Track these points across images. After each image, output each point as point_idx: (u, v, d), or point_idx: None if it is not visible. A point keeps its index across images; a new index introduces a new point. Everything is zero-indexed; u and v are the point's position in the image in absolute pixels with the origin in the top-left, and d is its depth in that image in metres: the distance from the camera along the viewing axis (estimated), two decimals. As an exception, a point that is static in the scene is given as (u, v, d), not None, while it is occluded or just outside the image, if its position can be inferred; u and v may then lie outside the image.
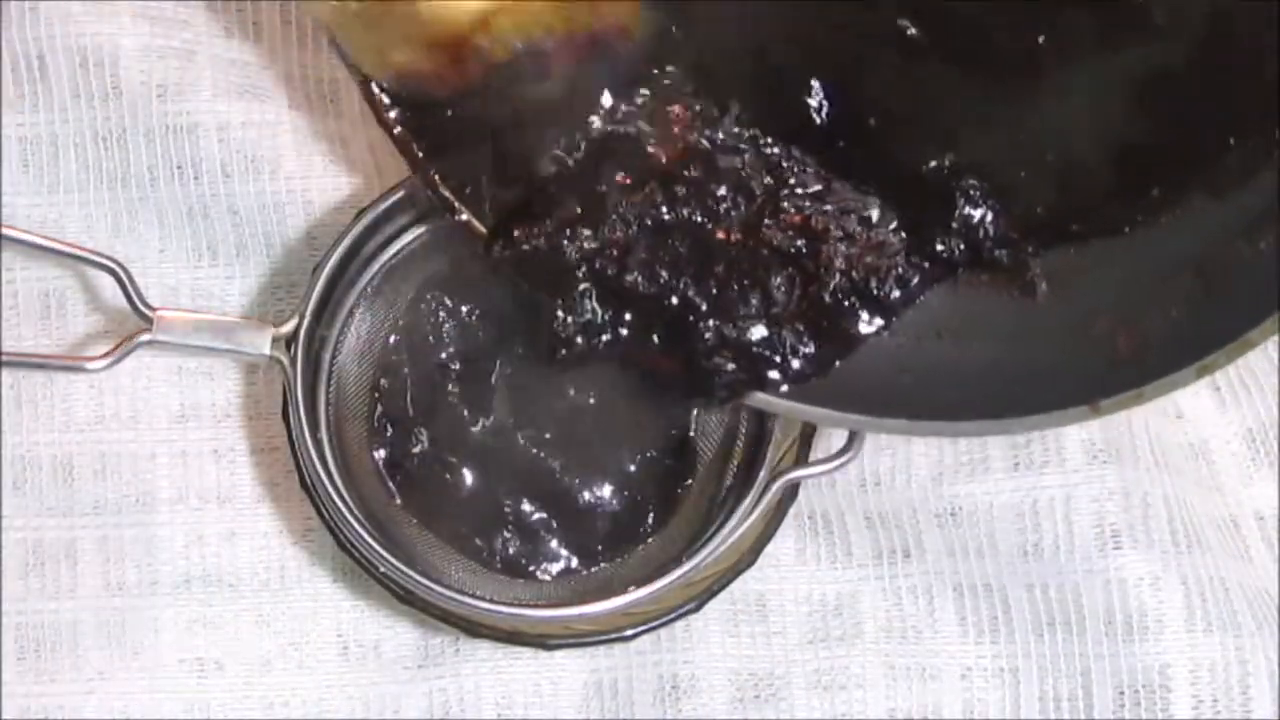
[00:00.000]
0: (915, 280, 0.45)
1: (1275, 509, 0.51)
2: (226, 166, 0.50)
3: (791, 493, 0.48)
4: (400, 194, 0.47)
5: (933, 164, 0.44)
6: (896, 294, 0.45)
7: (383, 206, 0.47)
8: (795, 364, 0.45)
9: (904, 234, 0.45)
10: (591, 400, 0.48)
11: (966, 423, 0.43)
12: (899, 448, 0.50)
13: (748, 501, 0.46)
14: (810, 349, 0.45)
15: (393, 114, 0.44)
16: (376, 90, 0.44)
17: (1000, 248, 0.44)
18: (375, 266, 0.48)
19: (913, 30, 0.43)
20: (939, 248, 0.45)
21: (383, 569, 0.46)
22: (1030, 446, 0.49)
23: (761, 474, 0.46)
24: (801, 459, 0.48)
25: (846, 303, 0.45)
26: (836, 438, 0.47)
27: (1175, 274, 0.42)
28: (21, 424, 0.50)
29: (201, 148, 0.50)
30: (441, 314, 0.49)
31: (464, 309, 0.49)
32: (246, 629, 0.50)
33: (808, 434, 0.48)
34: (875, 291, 0.45)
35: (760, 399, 0.45)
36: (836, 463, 0.46)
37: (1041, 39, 0.43)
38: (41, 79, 0.50)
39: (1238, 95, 0.41)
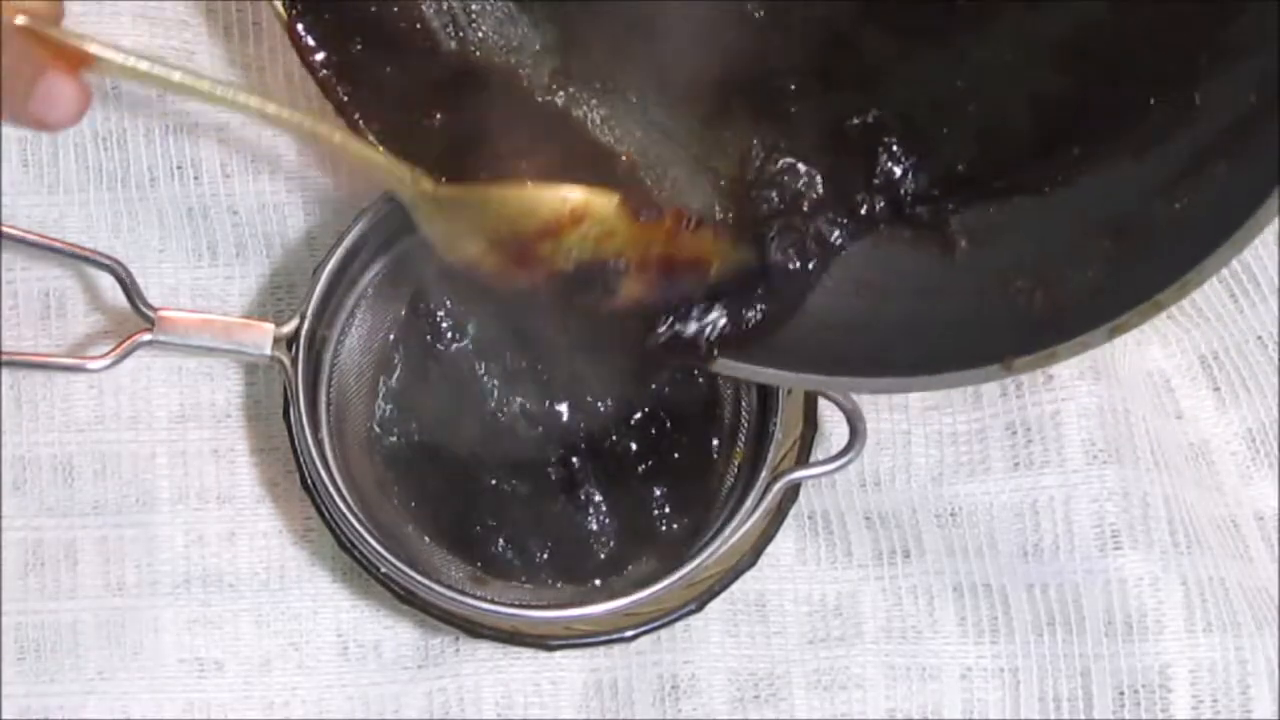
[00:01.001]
0: (836, 236, 0.45)
1: (1275, 509, 0.52)
2: (226, 166, 0.50)
3: (792, 493, 0.48)
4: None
5: (854, 120, 0.44)
6: (816, 250, 0.45)
7: (383, 207, 0.47)
8: (722, 324, 0.44)
9: (825, 189, 0.45)
10: (594, 401, 0.48)
11: (880, 379, 0.43)
12: (899, 448, 0.50)
13: (749, 502, 0.46)
14: (739, 310, 0.44)
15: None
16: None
17: (920, 204, 0.44)
18: (376, 267, 0.48)
19: None
20: (859, 203, 0.45)
21: (383, 569, 0.46)
22: (1030, 446, 0.49)
23: (762, 475, 0.46)
24: (802, 460, 0.48)
25: (770, 259, 0.45)
26: (837, 439, 0.47)
27: (1093, 234, 0.41)
28: (21, 424, 0.50)
29: (201, 148, 0.50)
30: (442, 314, 0.49)
31: (464, 309, 0.49)
32: (246, 629, 0.50)
33: (808, 435, 0.48)
34: (800, 249, 0.45)
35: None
36: (837, 463, 0.46)
37: None
38: (41, 79, 0.49)
39: (1158, 54, 0.41)
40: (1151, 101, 0.41)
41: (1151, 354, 0.52)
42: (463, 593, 0.45)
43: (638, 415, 0.48)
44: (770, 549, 0.49)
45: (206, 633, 0.50)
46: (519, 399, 0.49)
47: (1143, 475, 0.49)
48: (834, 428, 0.49)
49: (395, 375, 0.49)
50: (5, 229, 0.47)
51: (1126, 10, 0.41)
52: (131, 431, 0.51)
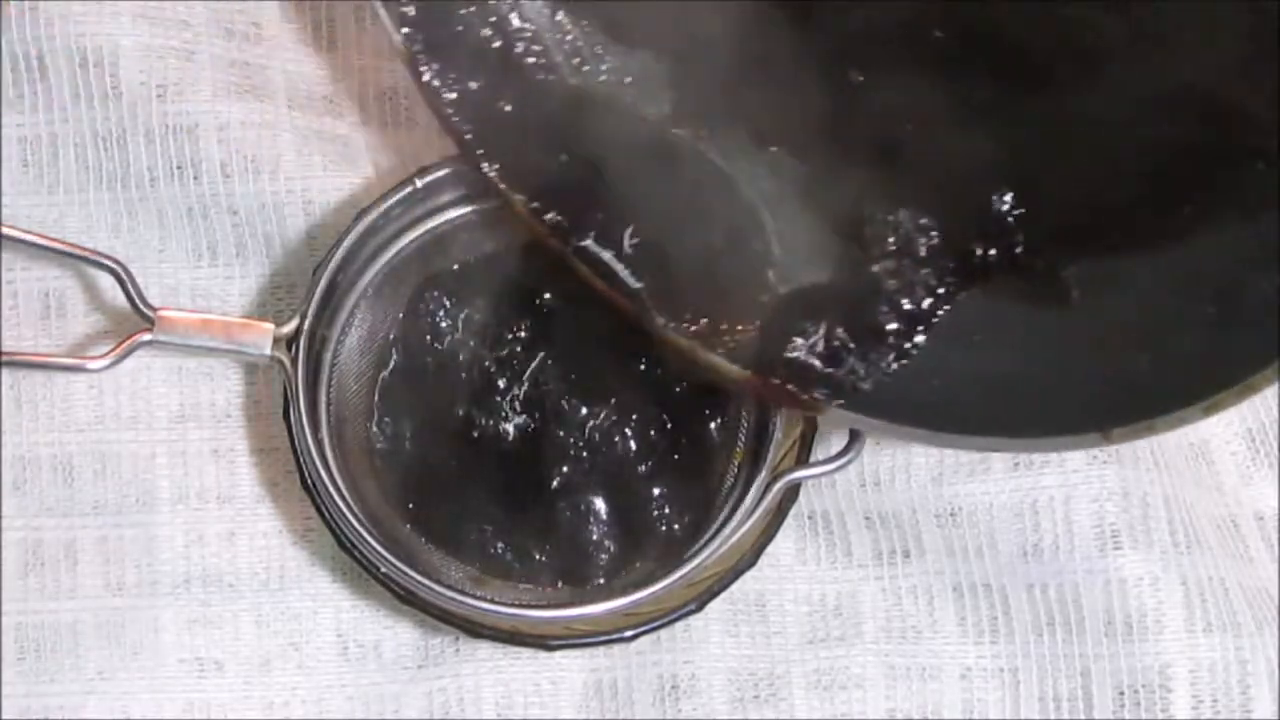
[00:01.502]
0: (949, 284, 0.45)
1: (1275, 509, 0.52)
2: (226, 166, 0.50)
3: (792, 493, 0.48)
4: (401, 194, 0.47)
5: (967, 168, 0.44)
6: (931, 299, 0.45)
7: (383, 207, 0.47)
8: (847, 373, 0.45)
9: (940, 239, 0.45)
10: (594, 400, 0.48)
11: (985, 438, 0.43)
12: (899, 448, 0.50)
13: (748, 502, 0.46)
14: (860, 358, 0.45)
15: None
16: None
17: (1034, 255, 0.44)
18: (376, 267, 0.48)
19: (939, 34, 0.43)
20: (974, 252, 0.45)
21: (383, 569, 0.46)
22: (1030, 446, 0.49)
23: (762, 474, 0.46)
24: (802, 459, 0.48)
25: (885, 308, 0.45)
26: (837, 439, 0.47)
27: (1198, 299, 0.41)
28: (21, 424, 0.50)
29: (201, 148, 0.50)
30: (442, 314, 0.49)
31: (465, 309, 0.49)
32: (246, 629, 0.50)
33: (808, 435, 0.48)
34: (913, 296, 0.45)
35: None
36: (837, 463, 0.46)
37: (1075, 46, 0.43)
38: (41, 79, 0.50)
39: (1271, 115, 0.41)
40: (1260, 166, 0.41)
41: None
42: (463, 593, 0.45)
43: (638, 415, 0.48)
44: (770, 549, 0.49)
45: (206, 633, 0.50)
46: (519, 399, 0.49)
47: (1143, 475, 0.49)
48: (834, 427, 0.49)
49: (396, 375, 0.49)
50: (5, 229, 0.47)
51: (1240, 71, 0.41)
52: (131, 431, 0.51)
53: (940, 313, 0.45)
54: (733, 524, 0.46)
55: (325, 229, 0.50)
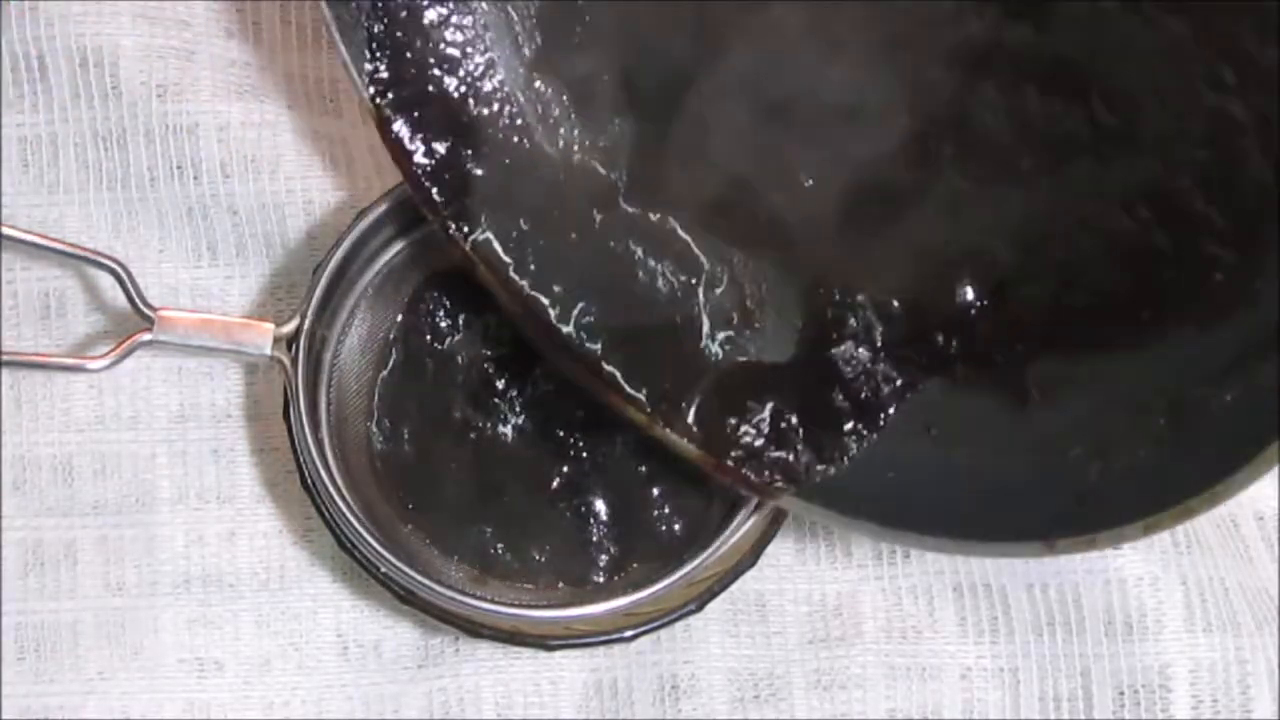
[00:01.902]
0: (910, 375, 0.45)
1: (1275, 509, 0.52)
2: (226, 166, 0.50)
3: (792, 493, 0.48)
4: (401, 194, 0.47)
5: (937, 256, 0.44)
6: (890, 388, 0.45)
7: (383, 207, 0.47)
8: (800, 460, 0.45)
9: (902, 322, 0.45)
10: (596, 400, 0.48)
11: (935, 538, 0.43)
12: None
13: (749, 502, 0.46)
14: (813, 446, 0.45)
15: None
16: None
17: (994, 348, 0.44)
18: (376, 267, 0.48)
19: (906, 120, 0.44)
20: (936, 342, 0.45)
21: (383, 569, 0.46)
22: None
23: (762, 474, 0.46)
24: (802, 459, 0.48)
25: (841, 396, 0.45)
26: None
27: (1151, 409, 0.41)
28: (21, 424, 0.50)
29: (201, 148, 0.50)
30: (442, 314, 0.49)
31: (465, 309, 0.49)
32: (246, 629, 0.50)
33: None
34: (871, 384, 0.45)
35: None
36: (837, 463, 0.46)
37: (1042, 139, 0.43)
38: (41, 79, 0.50)
39: (1235, 229, 0.41)
40: (1217, 276, 0.41)
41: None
42: (463, 593, 0.45)
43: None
44: (770, 549, 0.49)
45: (206, 633, 0.50)
46: (519, 399, 0.49)
47: (1143, 475, 0.49)
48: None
49: (396, 375, 0.49)
50: (5, 229, 0.47)
51: (1203, 180, 0.41)
52: (131, 431, 0.51)
53: (898, 405, 0.45)
54: (733, 524, 0.46)
55: (325, 229, 0.50)
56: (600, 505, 0.48)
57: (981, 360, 0.44)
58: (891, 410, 0.45)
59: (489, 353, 0.49)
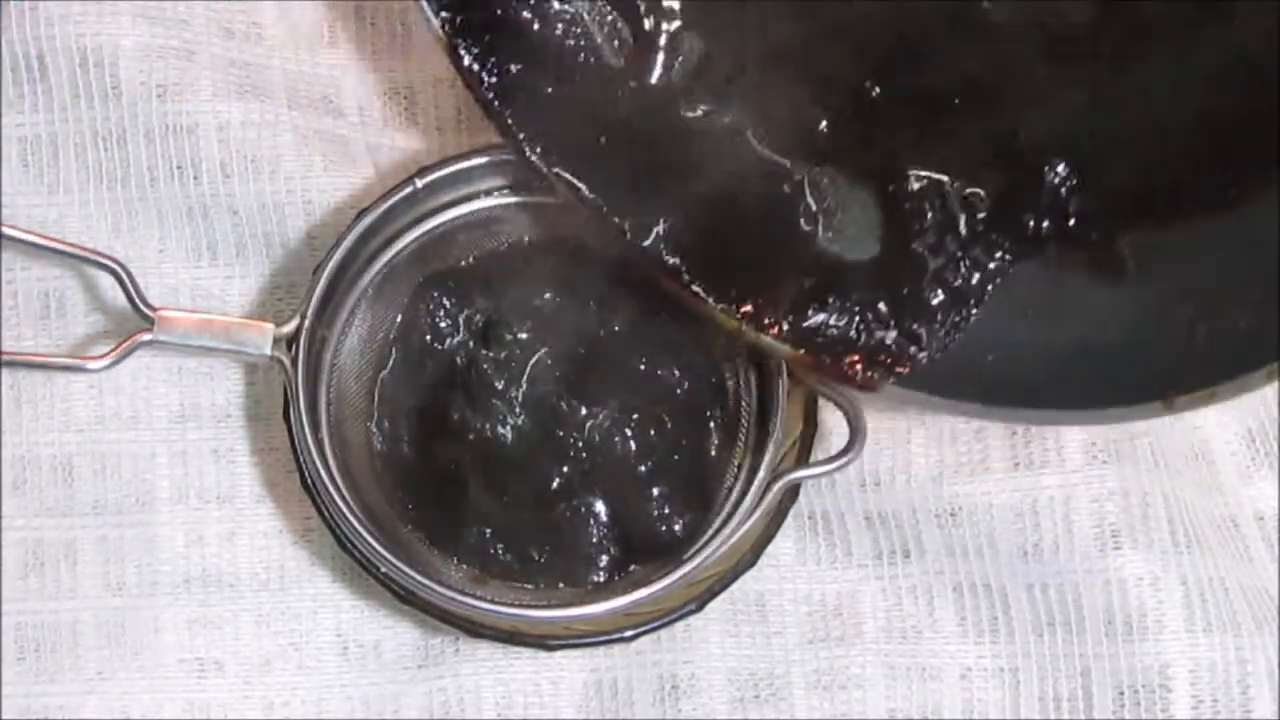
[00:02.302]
0: (1003, 256, 0.44)
1: (1275, 509, 0.52)
2: (226, 166, 0.50)
3: (792, 493, 0.48)
4: (401, 194, 0.47)
5: (1020, 140, 0.44)
6: (980, 274, 0.45)
7: (383, 207, 0.47)
8: (896, 350, 0.44)
9: (991, 209, 0.45)
10: (595, 400, 0.48)
11: (1043, 411, 0.43)
12: (899, 448, 0.50)
13: (748, 502, 0.46)
14: (909, 336, 0.45)
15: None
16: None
17: (1088, 225, 0.44)
18: (376, 267, 0.48)
19: (988, 3, 0.43)
20: (1026, 223, 0.44)
21: (383, 569, 0.46)
22: (1030, 446, 0.49)
23: (762, 475, 0.46)
24: (802, 460, 0.48)
25: (934, 285, 0.45)
26: (837, 439, 0.47)
27: (1256, 266, 0.41)
28: (21, 424, 0.50)
29: (201, 148, 0.50)
30: (442, 314, 0.49)
31: (465, 309, 0.49)
32: (246, 629, 0.50)
33: (808, 435, 0.48)
34: (961, 272, 0.45)
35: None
36: (837, 463, 0.46)
37: (1124, 19, 0.42)
38: (41, 79, 0.50)
39: None
40: None
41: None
42: (463, 593, 0.45)
43: (638, 415, 0.48)
44: (770, 549, 0.49)
45: (206, 633, 0.50)
46: (519, 399, 0.49)
47: (1143, 475, 0.49)
48: (834, 428, 0.49)
49: (396, 375, 0.49)
50: (5, 229, 0.47)
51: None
52: (131, 431, 0.51)
53: (991, 288, 0.44)
54: (733, 524, 0.46)
55: (325, 229, 0.50)
56: (600, 505, 0.48)
57: (1074, 238, 0.44)
58: (984, 295, 0.44)
59: (489, 353, 0.49)
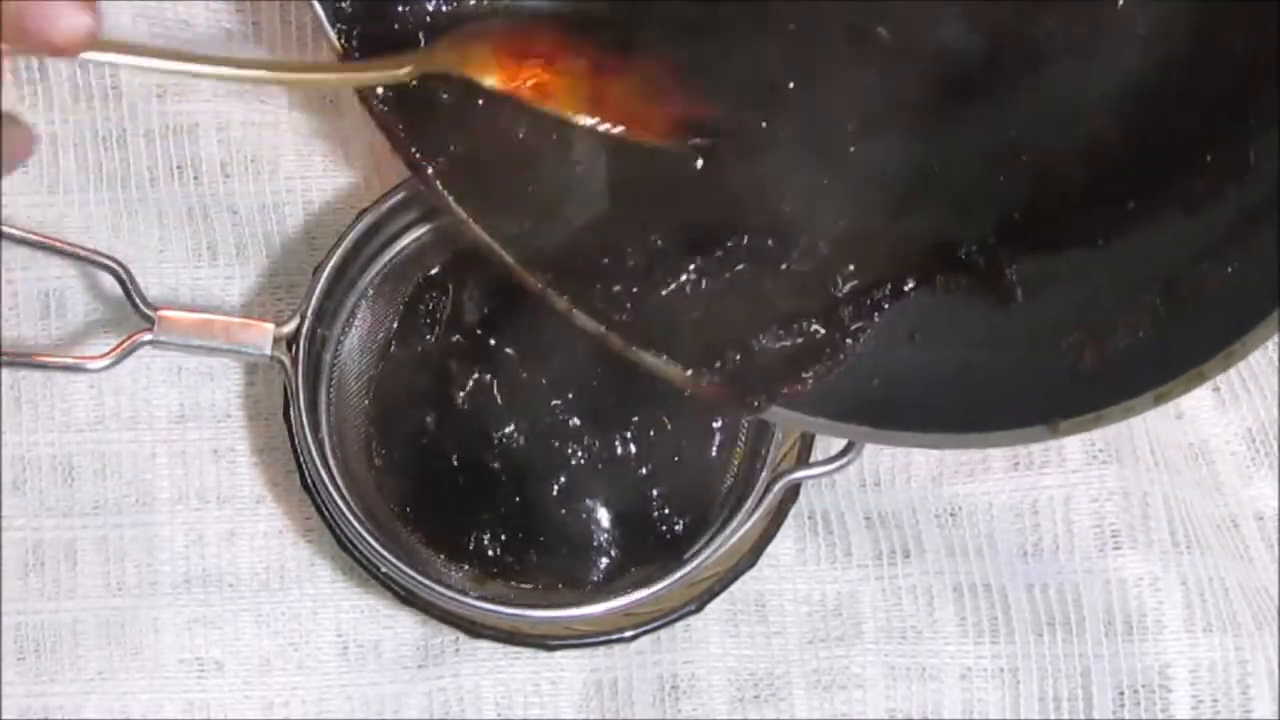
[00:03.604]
0: (884, 289, 0.44)
1: (1275, 509, 0.52)
2: (226, 166, 0.50)
3: (792, 493, 0.48)
4: (401, 194, 0.47)
5: (908, 166, 0.44)
6: (866, 301, 0.44)
7: (383, 207, 0.47)
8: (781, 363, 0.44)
9: (874, 242, 0.44)
10: (595, 400, 0.48)
11: (929, 435, 0.43)
12: (899, 448, 0.50)
13: (749, 502, 0.46)
14: (792, 364, 0.44)
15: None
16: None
17: (977, 252, 0.44)
18: (376, 267, 0.48)
19: (881, 30, 0.43)
20: (909, 255, 0.44)
21: (383, 569, 0.46)
22: (1030, 446, 0.49)
23: (762, 475, 0.46)
24: (802, 460, 0.48)
25: (819, 310, 0.44)
26: (837, 439, 0.47)
27: (1144, 292, 0.41)
28: (21, 424, 0.50)
29: (201, 148, 0.50)
30: (442, 314, 0.49)
31: (465, 309, 0.49)
32: (246, 629, 0.50)
33: (808, 435, 0.48)
34: (845, 303, 0.44)
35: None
36: (837, 463, 0.46)
37: (1016, 42, 0.42)
38: (41, 79, 0.50)
39: (1214, 111, 0.41)
40: (1206, 158, 0.41)
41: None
42: (463, 593, 0.45)
43: (638, 417, 0.48)
44: (770, 549, 0.49)
45: (206, 633, 0.50)
46: (519, 398, 0.49)
47: (1143, 475, 0.49)
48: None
49: (396, 374, 0.49)
50: (5, 229, 0.47)
51: (1185, 68, 0.41)
52: (131, 431, 0.51)
53: (875, 318, 0.44)
54: (733, 524, 0.46)
55: (325, 229, 0.50)
56: (600, 506, 0.48)
57: (961, 267, 0.44)
58: (867, 324, 0.44)
59: (489, 352, 0.49)
